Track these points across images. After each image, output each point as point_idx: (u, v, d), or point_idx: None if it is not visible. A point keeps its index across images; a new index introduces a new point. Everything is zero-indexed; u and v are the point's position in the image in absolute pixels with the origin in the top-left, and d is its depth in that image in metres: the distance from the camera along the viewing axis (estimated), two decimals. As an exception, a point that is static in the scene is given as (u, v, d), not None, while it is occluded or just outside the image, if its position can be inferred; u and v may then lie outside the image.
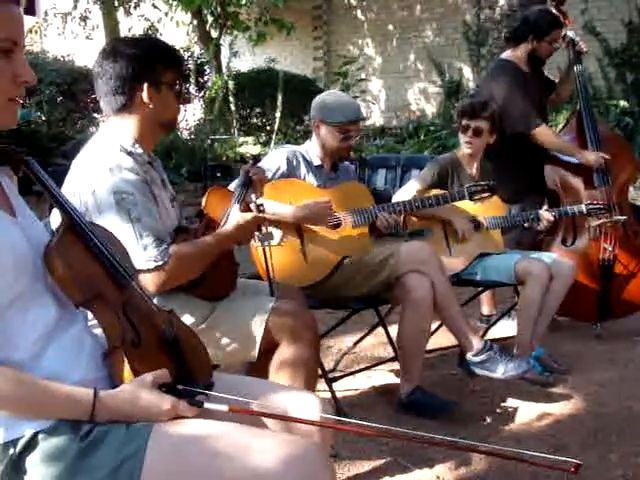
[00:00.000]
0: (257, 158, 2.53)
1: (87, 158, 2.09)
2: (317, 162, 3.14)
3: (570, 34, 4.15)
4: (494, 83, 4.10)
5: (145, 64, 2.09)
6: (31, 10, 12.11)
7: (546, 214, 3.57)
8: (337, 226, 3.06)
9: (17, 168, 1.44)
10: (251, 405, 1.45)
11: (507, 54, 4.17)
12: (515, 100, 3.92)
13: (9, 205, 1.39)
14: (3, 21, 1.26)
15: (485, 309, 4.23)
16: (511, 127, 3.89)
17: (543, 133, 3.94)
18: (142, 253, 1.99)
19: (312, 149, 3.16)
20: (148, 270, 1.99)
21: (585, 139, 4.03)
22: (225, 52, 12.29)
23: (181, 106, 2.23)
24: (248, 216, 2.23)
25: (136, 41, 2.29)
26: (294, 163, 3.09)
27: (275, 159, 3.07)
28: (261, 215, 2.28)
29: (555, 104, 4.69)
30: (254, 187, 2.34)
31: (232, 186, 2.65)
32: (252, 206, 2.30)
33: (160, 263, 2.01)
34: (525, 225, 3.58)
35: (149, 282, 1.99)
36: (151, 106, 2.11)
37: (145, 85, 2.08)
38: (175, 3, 11.64)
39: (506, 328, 3.96)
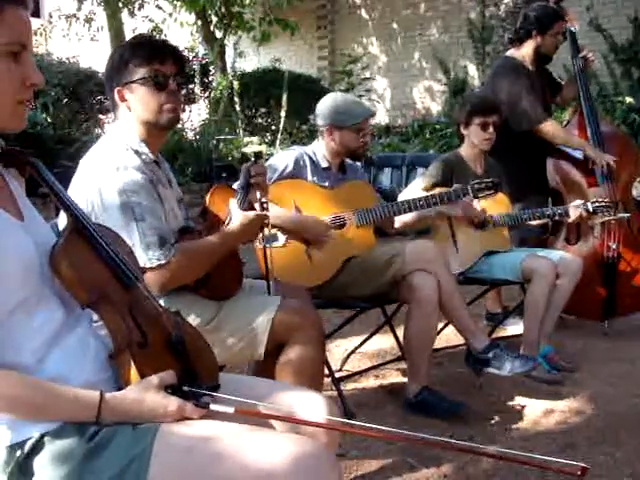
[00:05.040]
0: (259, 155, 2.50)
1: (94, 157, 2.10)
2: (325, 164, 3.15)
3: (572, 29, 4.16)
4: (499, 80, 4.09)
5: (117, 67, 2.11)
6: (35, 12, 12.14)
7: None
8: (342, 226, 3.06)
9: (23, 170, 1.45)
10: (258, 407, 1.44)
11: (512, 52, 4.16)
12: (520, 96, 3.92)
13: (17, 208, 1.39)
14: (12, 24, 1.27)
15: (491, 307, 4.22)
16: (517, 124, 3.89)
17: (551, 127, 3.94)
18: (145, 252, 1.99)
19: (320, 151, 3.16)
20: (151, 269, 2.00)
21: (588, 137, 4.02)
22: (230, 52, 12.27)
23: (169, 98, 2.10)
24: (251, 215, 2.22)
25: (122, 45, 2.30)
26: (301, 164, 3.10)
27: (283, 159, 3.10)
28: (264, 213, 2.28)
29: (559, 105, 4.69)
30: (255, 187, 2.31)
31: (236, 185, 2.65)
32: (256, 205, 2.30)
33: (163, 262, 2.01)
34: (534, 223, 3.56)
35: (152, 281, 1.98)
36: (130, 107, 2.12)
37: (116, 89, 2.11)
38: (179, 4, 11.63)
39: (513, 326, 3.96)
